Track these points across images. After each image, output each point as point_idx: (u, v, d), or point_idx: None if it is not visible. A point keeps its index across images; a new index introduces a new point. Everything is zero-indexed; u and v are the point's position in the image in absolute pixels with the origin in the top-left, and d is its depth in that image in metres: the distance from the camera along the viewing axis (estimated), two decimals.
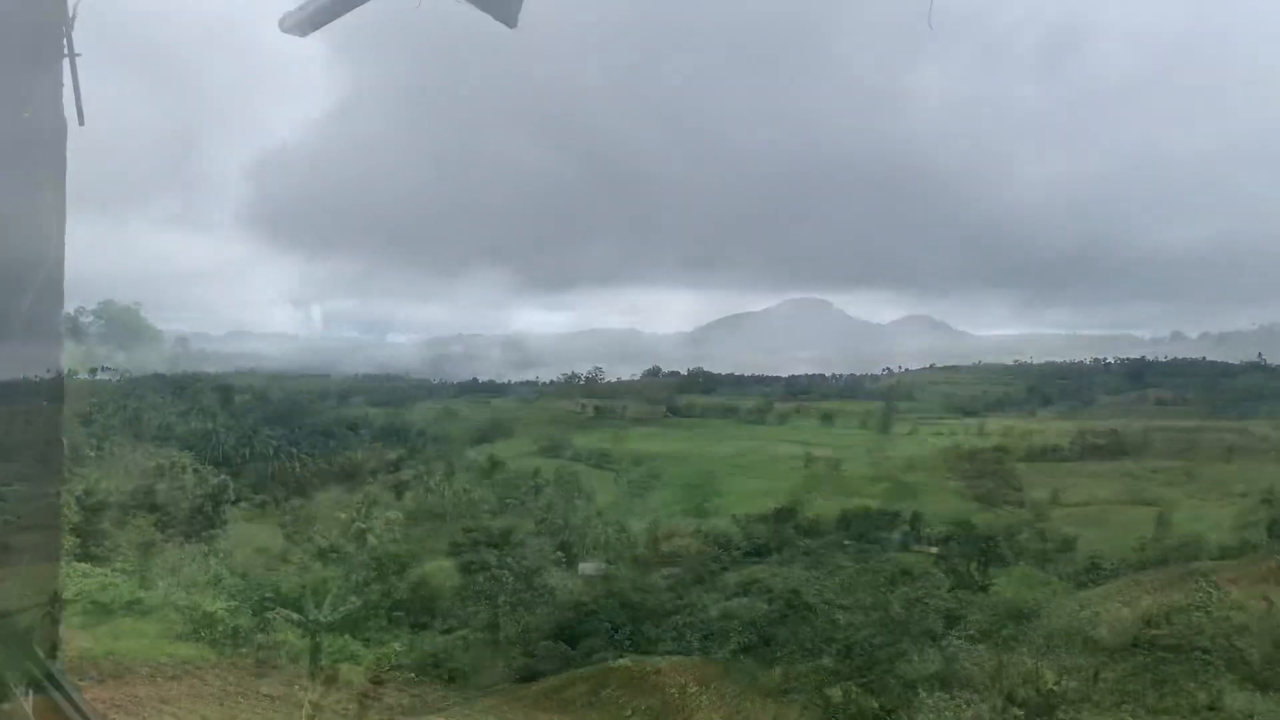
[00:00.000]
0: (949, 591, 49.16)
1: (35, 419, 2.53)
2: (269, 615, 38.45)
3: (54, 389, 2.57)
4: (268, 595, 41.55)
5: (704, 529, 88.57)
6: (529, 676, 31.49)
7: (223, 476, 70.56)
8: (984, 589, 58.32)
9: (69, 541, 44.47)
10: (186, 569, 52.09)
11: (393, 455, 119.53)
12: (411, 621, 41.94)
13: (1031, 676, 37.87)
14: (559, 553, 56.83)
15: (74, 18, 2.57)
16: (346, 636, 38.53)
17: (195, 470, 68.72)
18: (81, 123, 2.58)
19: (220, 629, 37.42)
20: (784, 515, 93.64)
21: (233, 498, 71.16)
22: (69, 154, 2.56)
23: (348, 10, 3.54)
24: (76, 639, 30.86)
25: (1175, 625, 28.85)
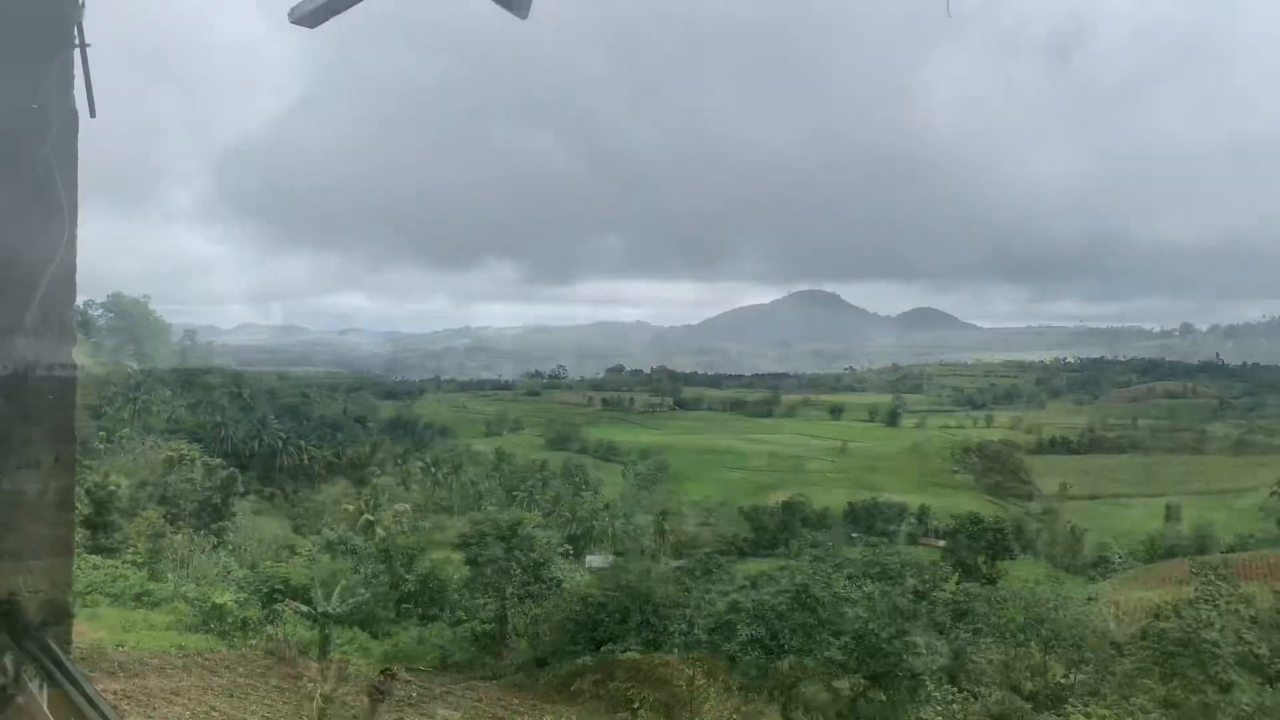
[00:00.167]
0: (956, 584, 49.16)
1: (48, 411, 2.53)
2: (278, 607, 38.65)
3: (66, 382, 2.57)
4: (277, 587, 41.75)
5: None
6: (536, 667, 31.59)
7: (231, 469, 70.81)
8: (991, 581, 58.33)
9: (79, 534, 44.65)
10: (196, 560, 52.36)
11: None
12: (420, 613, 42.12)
13: (1039, 669, 37.88)
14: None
15: (83, 7, 2.56)
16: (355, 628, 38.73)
17: (204, 462, 68.95)
18: (93, 115, 2.57)
19: (230, 621, 37.62)
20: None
21: (241, 490, 71.42)
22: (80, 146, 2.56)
23: (356, 1, 3.53)
24: (88, 631, 31.03)
25: (1184, 618, 28.74)
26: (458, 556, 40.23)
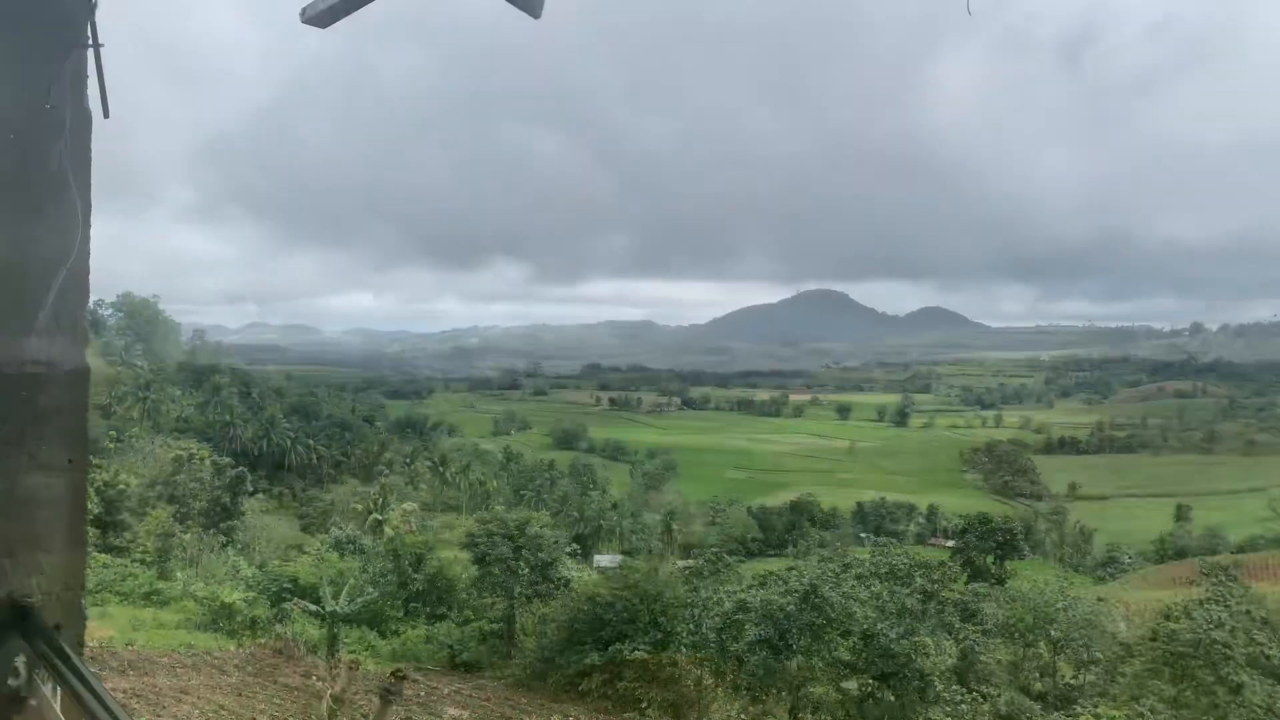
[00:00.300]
0: (965, 584, 49.06)
1: (61, 413, 2.52)
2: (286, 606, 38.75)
3: (79, 383, 2.56)
4: (285, 586, 41.86)
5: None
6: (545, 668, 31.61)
7: (240, 468, 71.00)
8: (1000, 581, 58.21)
9: (90, 533, 44.73)
10: (205, 559, 52.54)
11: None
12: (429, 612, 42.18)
13: (1049, 670, 37.77)
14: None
15: (96, 6, 2.55)
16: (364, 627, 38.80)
17: (213, 461, 69.13)
18: (106, 115, 2.56)
19: (238, 619, 37.74)
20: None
21: (250, 489, 71.61)
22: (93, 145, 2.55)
23: (369, 1, 3.51)
24: (97, 629, 31.14)
25: (1194, 619, 28.61)
26: (465, 556, 40.25)
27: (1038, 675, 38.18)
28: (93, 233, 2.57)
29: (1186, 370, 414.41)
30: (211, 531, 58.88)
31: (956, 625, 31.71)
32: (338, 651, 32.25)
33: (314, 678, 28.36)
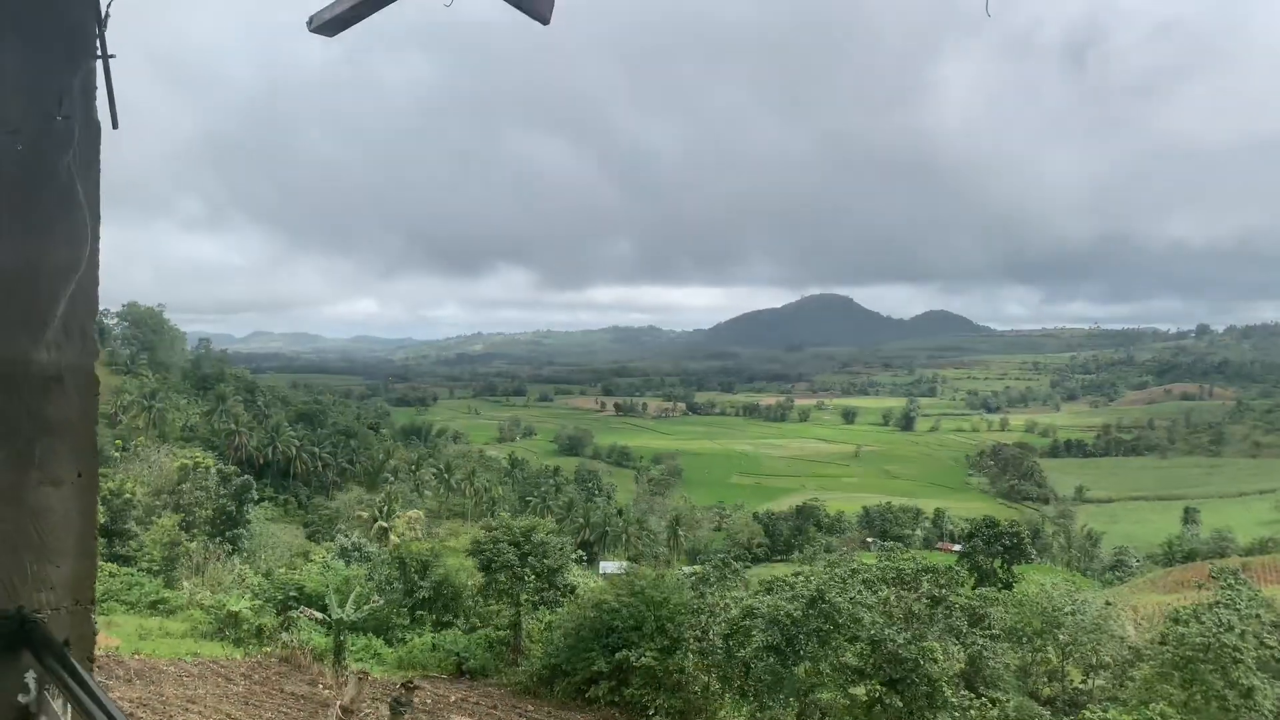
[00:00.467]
0: (973, 589, 48.90)
1: (70, 426, 2.50)
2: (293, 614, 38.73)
3: (88, 395, 2.55)
4: (291, 594, 41.84)
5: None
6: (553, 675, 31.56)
7: (246, 476, 71.06)
8: (1008, 585, 58.01)
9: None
10: (211, 567, 52.52)
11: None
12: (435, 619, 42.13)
13: (1057, 674, 37.63)
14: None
15: (107, 19, 2.54)
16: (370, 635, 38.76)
17: (219, 470, 69.20)
18: (115, 125, 2.55)
19: (245, 628, 37.72)
20: None
21: (256, 497, 71.65)
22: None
23: (376, 10, 3.51)
24: (104, 639, 31.15)
25: (1204, 623, 28.48)
26: (471, 563, 40.21)
27: (1046, 680, 38.04)
28: (100, 244, 2.55)
29: (1193, 372, 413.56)
30: (217, 540, 58.89)
31: (964, 630, 31.54)
32: (344, 660, 32.23)
33: (321, 686, 28.34)
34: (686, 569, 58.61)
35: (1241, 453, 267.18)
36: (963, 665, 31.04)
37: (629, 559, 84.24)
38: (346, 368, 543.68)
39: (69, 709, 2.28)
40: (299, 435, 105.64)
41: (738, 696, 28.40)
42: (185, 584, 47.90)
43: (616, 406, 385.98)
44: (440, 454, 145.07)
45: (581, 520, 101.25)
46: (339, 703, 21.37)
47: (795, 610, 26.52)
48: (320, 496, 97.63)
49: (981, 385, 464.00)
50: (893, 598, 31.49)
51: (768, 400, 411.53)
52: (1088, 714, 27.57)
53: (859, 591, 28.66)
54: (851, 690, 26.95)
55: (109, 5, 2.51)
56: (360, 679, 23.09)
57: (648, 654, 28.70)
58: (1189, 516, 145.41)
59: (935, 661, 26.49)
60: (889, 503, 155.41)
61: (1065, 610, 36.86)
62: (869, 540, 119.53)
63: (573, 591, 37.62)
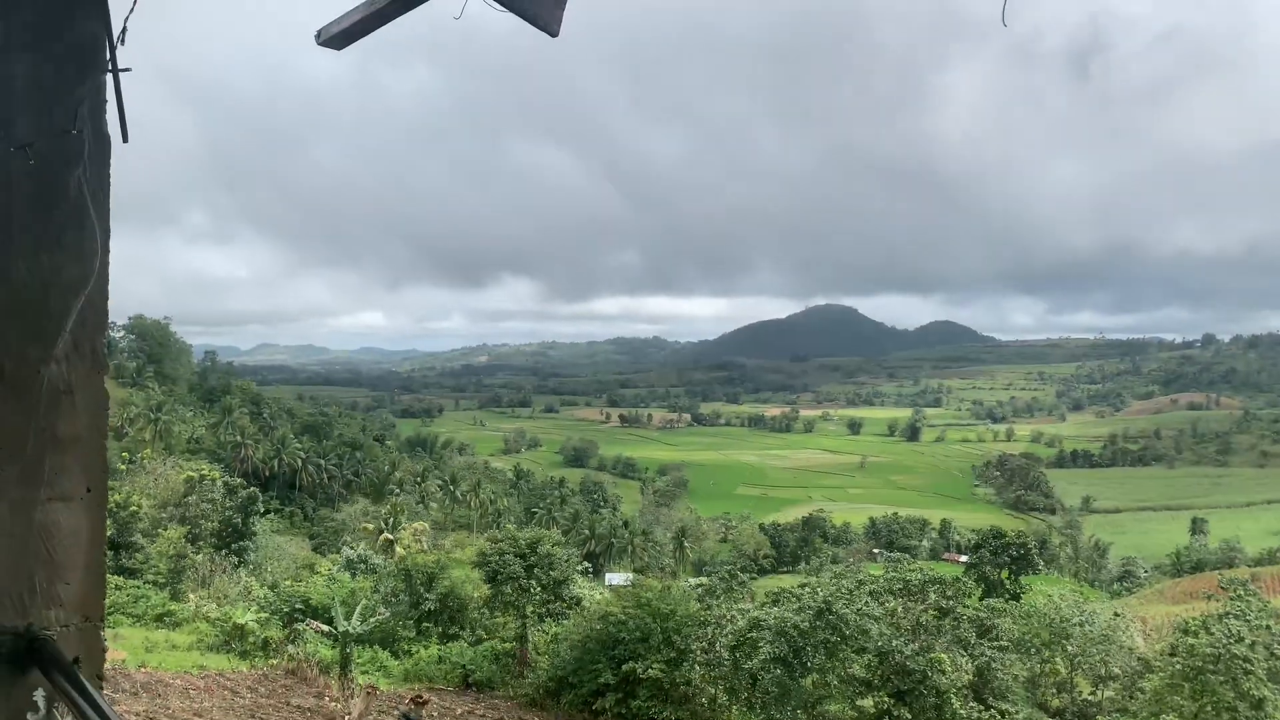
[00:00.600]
0: (980, 600, 48.69)
1: (80, 442, 2.49)
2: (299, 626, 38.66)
3: (98, 411, 2.53)
4: (298, 606, 41.78)
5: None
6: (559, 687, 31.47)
7: (252, 488, 71.07)
8: (1015, 597, 57.76)
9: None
10: (217, 580, 52.46)
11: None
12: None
13: (1066, 686, 37.40)
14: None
15: (121, 34, 2.53)
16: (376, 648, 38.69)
17: (225, 482, 69.22)
18: (125, 139, 2.55)
19: (251, 641, 37.66)
20: None
21: (262, 509, 71.64)
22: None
23: (384, 23, 3.50)
24: (110, 651, 31.08)
25: (1213, 634, 28.32)
26: (477, 575, 40.15)
27: (1055, 691, 37.82)
28: (109, 258, 2.54)
29: (1199, 382, 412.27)
30: (224, 552, 58.85)
31: (972, 641, 31.41)
32: (350, 672, 32.16)
33: (327, 699, 28.26)
34: (693, 580, 58.52)
35: (1249, 462, 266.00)
36: (971, 677, 30.89)
37: (635, 571, 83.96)
38: (352, 379, 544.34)
39: (69, 712, 2.25)
40: (305, 447, 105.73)
41: (745, 708, 28.29)
42: (191, 596, 47.83)
43: (621, 418, 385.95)
44: (446, 465, 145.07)
45: (587, 532, 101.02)
46: (347, 717, 21.29)
47: (802, 622, 26.42)
48: (326, 508, 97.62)
49: (987, 395, 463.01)
50: (900, 609, 31.38)
51: (773, 411, 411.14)
52: None
53: (866, 603, 28.55)
54: (859, 702, 26.86)
55: (126, 20, 2.50)
56: (368, 694, 23.03)
57: (654, 666, 28.59)
58: (1197, 527, 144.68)
59: (943, 673, 26.39)
60: (895, 513, 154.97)
61: (1074, 621, 36.66)
62: (875, 551, 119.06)
63: (579, 603, 37.53)
